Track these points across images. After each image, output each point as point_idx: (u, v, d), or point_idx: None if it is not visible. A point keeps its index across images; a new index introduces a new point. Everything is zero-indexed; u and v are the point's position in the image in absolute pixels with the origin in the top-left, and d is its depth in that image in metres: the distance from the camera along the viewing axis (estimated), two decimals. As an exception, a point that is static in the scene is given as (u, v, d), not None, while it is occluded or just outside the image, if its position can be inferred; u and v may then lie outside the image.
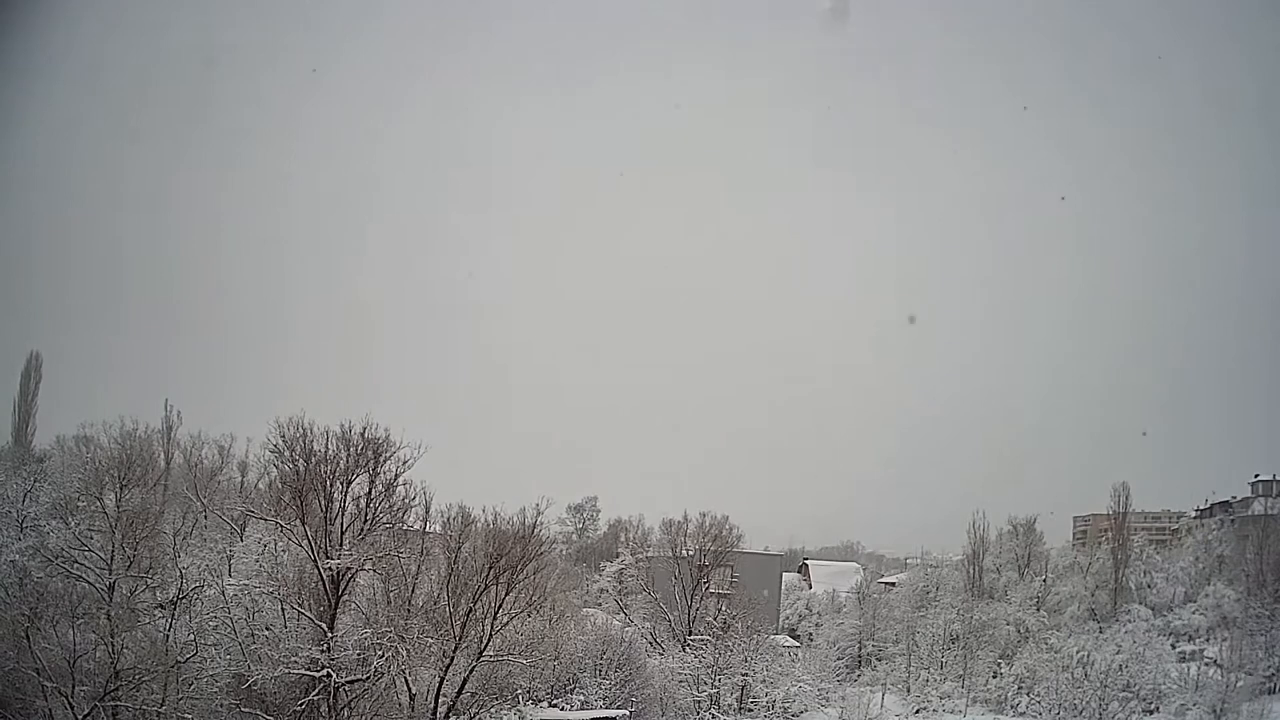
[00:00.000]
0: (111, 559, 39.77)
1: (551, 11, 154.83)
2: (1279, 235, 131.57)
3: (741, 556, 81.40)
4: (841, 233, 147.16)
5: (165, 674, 34.68)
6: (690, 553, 75.40)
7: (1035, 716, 64.71)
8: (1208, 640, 71.63)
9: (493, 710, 41.95)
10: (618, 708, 51.59)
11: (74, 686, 32.85)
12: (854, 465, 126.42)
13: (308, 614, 37.79)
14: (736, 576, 79.20)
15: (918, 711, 69.07)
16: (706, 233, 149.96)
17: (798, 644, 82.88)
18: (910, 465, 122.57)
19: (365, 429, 39.69)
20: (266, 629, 39.07)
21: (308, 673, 36.00)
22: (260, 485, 55.78)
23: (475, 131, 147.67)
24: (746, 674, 63.25)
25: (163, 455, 64.09)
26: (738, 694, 63.04)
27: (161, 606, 40.31)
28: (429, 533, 44.36)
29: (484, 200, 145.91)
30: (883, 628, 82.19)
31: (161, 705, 34.32)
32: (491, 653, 40.84)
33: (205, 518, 53.50)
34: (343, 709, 36.83)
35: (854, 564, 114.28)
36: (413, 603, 40.44)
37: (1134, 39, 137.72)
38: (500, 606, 41.28)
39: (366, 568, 39.53)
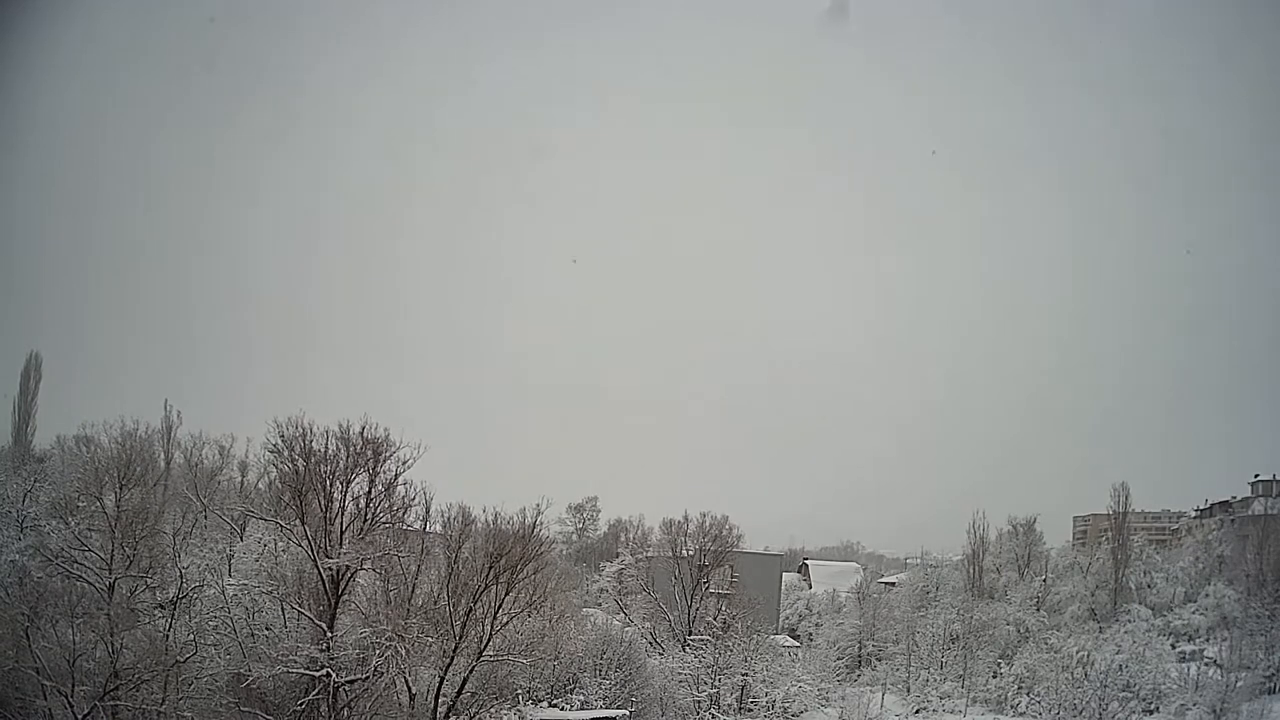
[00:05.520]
0: (111, 559, 39.82)
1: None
2: (1278, 233, 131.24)
3: (741, 556, 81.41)
4: (840, 232, 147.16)
5: (165, 674, 34.67)
6: (690, 553, 75.32)
7: (1035, 716, 64.58)
8: (1208, 640, 71.59)
9: (493, 710, 41.97)
10: (618, 708, 51.51)
11: (74, 686, 32.82)
12: (854, 465, 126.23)
13: (307, 614, 37.79)
14: (736, 576, 79.14)
15: (918, 711, 69.08)
16: (705, 233, 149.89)
17: (798, 644, 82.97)
18: (910, 465, 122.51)
19: (364, 429, 39.64)
20: (266, 629, 39.12)
21: (307, 672, 36.00)
22: (260, 485, 55.87)
23: (471, 125, 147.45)
24: (746, 674, 63.22)
25: (163, 455, 64.24)
26: (738, 694, 62.98)
27: (161, 606, 40.35)
28: (429, 533, 44.32)
29: (486, 200, 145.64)
30: (883, 628, 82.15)
31: (161, 705, 34.31)
32: (491, 653, 40.82)
33: (205, 518, 53.53)
34: (342, 709, 36.82)
35: (854, 564, 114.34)
36: (412, 602, 40.43)
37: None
38: (500, 606, 41.24)
39: (366, 567, 39.54)
